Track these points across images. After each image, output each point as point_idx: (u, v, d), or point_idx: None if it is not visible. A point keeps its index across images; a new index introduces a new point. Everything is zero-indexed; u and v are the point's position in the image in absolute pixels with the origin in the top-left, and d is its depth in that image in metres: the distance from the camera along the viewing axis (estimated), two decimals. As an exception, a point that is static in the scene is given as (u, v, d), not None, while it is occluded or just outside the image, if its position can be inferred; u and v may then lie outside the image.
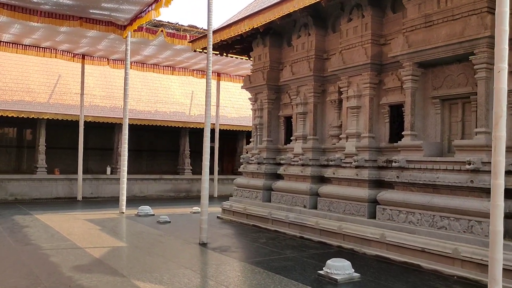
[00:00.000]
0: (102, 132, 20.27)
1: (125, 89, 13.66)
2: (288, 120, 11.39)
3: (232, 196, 12.39)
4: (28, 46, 16.15)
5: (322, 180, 9.94)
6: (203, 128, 9.12)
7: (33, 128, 18.67)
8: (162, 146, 22.40)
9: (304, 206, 9.78)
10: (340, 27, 9.56)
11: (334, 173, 9.16)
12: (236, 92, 22.87)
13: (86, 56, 17.34)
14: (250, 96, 12.29)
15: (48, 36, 14.76)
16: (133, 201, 16.92)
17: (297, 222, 9.56)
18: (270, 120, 11.60)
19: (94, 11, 12.19)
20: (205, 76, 20.52)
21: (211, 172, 22.73)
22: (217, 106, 20.41)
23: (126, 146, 13.42)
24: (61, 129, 19.32)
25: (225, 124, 20.86)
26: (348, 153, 8.93)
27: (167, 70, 19.18)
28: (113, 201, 17.31)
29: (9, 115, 16.34)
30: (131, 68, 18.33)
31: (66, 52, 16.92)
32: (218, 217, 12.31)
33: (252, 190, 11.44)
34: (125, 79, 13.64)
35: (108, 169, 19.29)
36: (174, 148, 21.98)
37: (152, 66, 18.81)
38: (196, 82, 21.97)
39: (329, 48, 10.17)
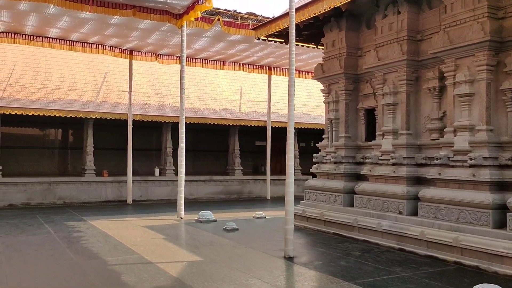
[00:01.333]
0: (149, 132, 19.34)
1: (181, 84, 12.61)
2: (369, 113, 10.02)
3: (303, 200, 11.09)
4: (75, 42, 15.31)
5: (419, 181, 8.53)
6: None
7: (78, 128, 17.88)
8: (208, 145, 21.31)
9: (400, 213, 8.40)
10: (441, 1, 8.14)
11: (439, 173, 7.74)
12: (286, 86, 21.54)
13: (134, 52, 16.40)
14: (322, 88, 10.97)
15: (97, 30, 13.85)
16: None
17: (394, 231, 8.19)
18: (347, 114, 10.26)
19: (150, -2, 11.16)
20: (255, 70, 19.45)
21: (278, 173, 21.69)
22: (269, 102, 19.19)
23: (184, 145, 12.36)
24: (107, 129, 18.49)
25: (276, 121, 19.59)
26: (458, 149, 7.50)
27: (217, 64, 18.06)
28: (164, 204, 16.36)
29: (57, 115, 15.56)
30: (179, 64, 17.37)
31: (113, 48, 16.02)
32: (288, 223, 11.03)
33: (329, 193, 10.13)
34: (181, 72, 12.59)
35: (157, 171, 18.34)
36: (221, 148, 20.87)
37: (201, 61, 17.73)
38: (244, 77, 20.82)
39: (424, 28, 8.74)
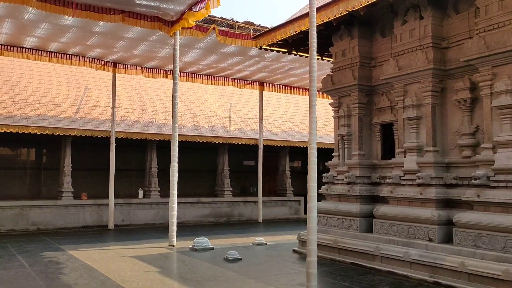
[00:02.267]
0: (131, 151, 18.01)
1: (174, 97, 11.55)
2: (386, 128, 9.12)
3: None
4: (53, 53, 14.08)
5: (448, 204, 7.60)
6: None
7: (54, 147, 16.45)
8: (195, 165, 20.09)
9: (430, 240, 7.43)
10: (469, 5, 7.36)
11: (478, 195, 6.83)
12: (277, 103, 20.69)
13: (118, 64, 15.25)
14: (331, 101, 10.04)
15: (79, 39, 12.69)
16: (162, 228, 14.66)
17: (425, 261, 7.20)
18: (361, 129, 9.34)
19: (141, 2, 10.10)
20: (246, 85, 18.44)
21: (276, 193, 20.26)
22: (260, 119, 18.25)
23: (176, 165, 11.22)
24: (85, 148, 17.14)
25: (268, 139, 18.61)
26: (499, 168, 6.62)
27: (206, 79, 17.05)
28: (149, 229, 15.06)
29: (32, 132, 14.20)
30: (166, 77, 16.32)
31: (96, 60, 14.84)
32: (294, 251, 9.95)
33: (343, 218, 9.10)
34: (174, 84, 11.52)
35: (140, 192, 17.03)
36: (209, 167, 19.67)
37: (189, 75, 16.69)
38: (233, 93, 19.85)
39: (450, 34, 7.95)
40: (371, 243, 8.26)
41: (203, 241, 10.34)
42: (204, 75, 16.81)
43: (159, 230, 14.75)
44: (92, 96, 16.48)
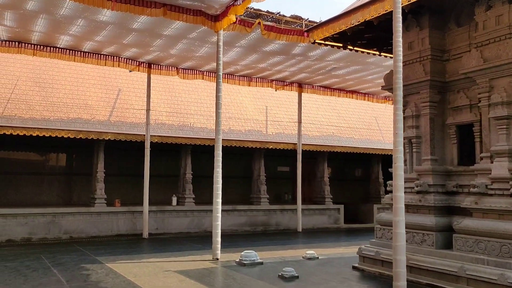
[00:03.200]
0: (164, 156, 17.24)
1: (217, 97, 10.67)
2: (463, 130, 8.05)
3: (375, 237, 8.98)
4: (87, 53, 13.44)
5: (549, 217, 6.51)
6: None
7: (86, 151, 15.81)
8: (229, 171, 19.18)
9: (530, 259, 6.34)
10: None
11: None
12: (314, 106, 19.68)
13: (152, 65, 14.51)
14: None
15: (115, 38, 11.98)
16: (205, 238, 13.86)
17: (528, 285, 6.11)
18: (433, 131, 8.28)
19: (184, -7, 9.31)
20: (284, 87, 17.50)
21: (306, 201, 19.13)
22: (299, 122, 17.28)
23: (220, 170, 10.33)
24: (117, 153, 16.47)
25: (306, 144, 17.62)
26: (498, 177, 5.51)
27: (243, 80, 16.20)
28: (184, 238, 14.24)
29: (65, 136, 13.55)
30: (202, 79, 15.53)
31: (130, 60, 14.14)
32: (355, 267, 8.92)
33: (414, 231, 8.04)
34: (218, 84, 10.66)
35: (174, 199, 16.22)
36: (243, 173, 18.76)
37: (226, 76, 15.80)
38: (269, 95, 18.95)
39: (547, 20, 6.86)
40: (453, 262, 7.19)
41: (251, 254, 9.40)
42: (241, 76, 15.96)
43: (196, 239, 13.92)
44: (126, 99, 15.80)
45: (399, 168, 5.54)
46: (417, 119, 8.46)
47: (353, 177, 21.95)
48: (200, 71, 15.24)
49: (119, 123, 14.75)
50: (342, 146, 18.42)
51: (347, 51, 12.78)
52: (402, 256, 5.45)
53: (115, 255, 10.49)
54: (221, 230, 16.08)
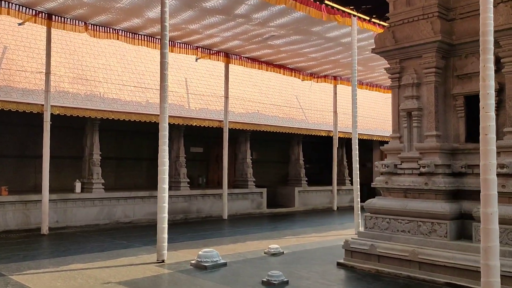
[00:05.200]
0: (63, 132, 14.15)
1: (162, 64, 8.37)
2: (472, 101, 6.95)
3: (364, 228, 7.57)
4: None
5: None
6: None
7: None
8: (134, 152, 16.70)
9: None
10: None
11: None
12: (235, 80, 17.85)
13: (54, 17, 11.47)
14: (387, 66, 7.64)
15: None
16: (121, 231, 11.60)
17: None
18: (437, 102, 7.07)
19: None
20: (211, 56, 15.43)
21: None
22: (226, 97, 15.39)
23: (166, 148, 8.11)
24: (5, 128, 13.16)
25: (232, 122, 15.79)
26: None
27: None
28: (95, 232, 11.76)
29: None
30: (117, 39, 12.81)
31: (25, 8, 10.96)
32: (341, 264, 7.44)
33: (419, 220, 6.78)
34: (162, 46, 8.34)
35: (78, 185, 13.36)
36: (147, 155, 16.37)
37: (145, 38, 13.30)
38: (187, 66, 16.67)
39: None
40: (477, 256, 6.04)
41: (211, 254, 7.43)
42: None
43: (111, 233, 11.48)
44: (14, 59, 12.43)
45: (490, 141, 4.10)
46: (417, 88, 7.19)
47: (270, 159, 20.69)
48: (115, 29, 12.53)
49: (8, 88, 11.49)
50: (268, 125, 16.97)
51: (295, 15, 11.40)
52: (496, 261, 4.06)
53: (16, 262, 7.75)
54: (137, 219, 13.95)
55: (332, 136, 18.85)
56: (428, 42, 6.92)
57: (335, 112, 18.60)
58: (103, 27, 12.31)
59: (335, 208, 18.45)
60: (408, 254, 6.59)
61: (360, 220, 11.39)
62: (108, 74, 13.98)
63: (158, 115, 13.66)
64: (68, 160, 14.34)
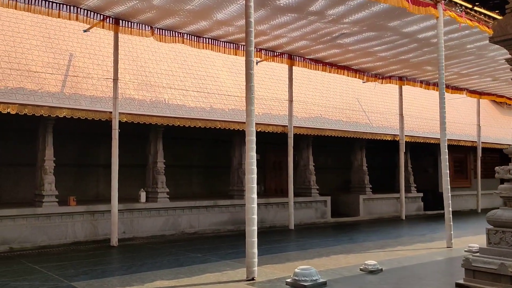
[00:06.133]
0: (128, 140, 13.80)
1: (248, 75, 7.74)
2: None
3: (487, 244, 6.63)
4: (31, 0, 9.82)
5: None
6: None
7: (27, 133, 12.11)
8: (199, 160, 16.22)
9: None
10: None
11: None
12: (295, 83, 17.15)
13: (121, 21, 11.14)
14: (509, 57, 6.72)
15: None
16: (189, 242, 11.11)
17: None
18: None
19: None
20: (275, 58, 14.70)
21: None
22: (290, 101, 14.68)
23: (254, 155, 7.51)
24: (72, 136, 12.97)
25: (297, 127, 15.05)
26: None
27: (229, 48, 13.24)
28: (164, 244, 11.32)
29: (3, 111, 9.84)
30: (182, 43, 12.37)
31: (92, 13, 10.67)
32: (459, 285, 6.54)
33: None
34: (248, 54, 7.73)
35: (143, 195, 12.97)
36: (223, 162, 15.92)
37: (209, 41, 12.82)
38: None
39: None
40: None
41: (310, 272, 6.69)
42: (227, 42, 13.00)
43: (181, 245, 10.99)
44: (80, 66, 12.18)
45: None
46: (548, 81, 6.21)
47: (329, 165, 19.81)
48: (181, 33, 12.10)
49: (76, 96, 11.21)
50: (333, 130, 16.15)
51: (373, 9, 10.64)
52: None
53: (95, 277, 7.29)
54: (202, 230, 13.39)
55: (397, 141, 17.84)
56: None
57: (401, 114, 17.58)
58: (169, 31, 11.90)
59: (404, 217, 17.36)
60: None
61: (452, 232, 10.38)
62: (171, 80, 13.57)
63: (222, 120, 13.48)
64: (131, 169, 13.96)
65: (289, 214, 14.52)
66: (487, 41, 13.03)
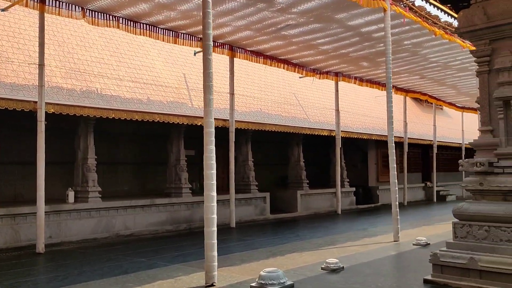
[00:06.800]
0: (52, 134, 12.43)
1: (205, 62, 7.00)
2: None
3: (454, 238, 6.48)
4: None
5: None
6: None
7: None
8: (133, 156, 15.11)
9: None
10: None
11: None
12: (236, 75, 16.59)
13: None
14: (474, 49, 6.63)
15: None
16: (126, 245, 10.22)
17: None
18: (539, 90, 6.12)
19: None
20: (216, 49, 14.14)
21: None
22: (231, 94, 14.10)
23: (213, 148, 6.79)
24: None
25: (239, 121, 14.48)
26: None
27: (168, 35, 12.35)
28: (97, 248, 10.34)
29: None
30: (118, 27, 11.32)
31: None
32: (427, 281, 6.35)
33: (531, 227, 5.78)
34: (205, 37, 7.00)
35: (71, 195, 11.72)
36: (155, 158, 14.96)
37: (141, 26, 11.88)
38: (184, 60, 15.27)
39: None
40: None
41: (277, 275, 6.16)
42: (166, 29, 12.11)
43: (118, 249, 10.06)
44: (-3, 50, 10.69)
45: None
46: (514, 73, 6.20)
47: (266, 161, 19.48)
48: (116, 16, 11.04)
49: (-6, 83, 9.78)
50: (273, 124, 15.81)
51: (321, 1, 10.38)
52: None
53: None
54: (138, 232, 12.42)
55: (332, 136, 17.95)
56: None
57: (337, 110, 17.65)
58: (102, 14, 10.79)
59: (340, 212, 17.47)
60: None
61: (399, 226, 10.39)
62: (103, 69, 12.43)
63: (161, 113, 12.57)
64: (54, 166, 12.57)
65: (230, 211, 13.95)
66: (424, 38, 13.51)
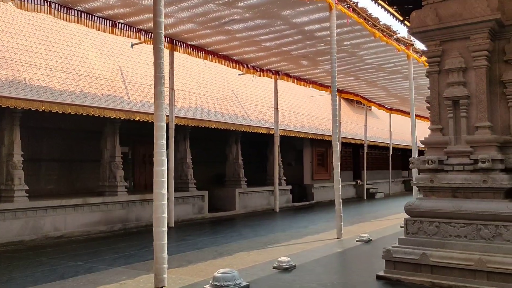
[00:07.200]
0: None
1: (156, 53, 6.55)
2: (519, 89, 6.33)
3: (405, 234, 6.55)
4: None
5: None
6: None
7: None
8: (62, 152, 14.09)
9: None
10: None
11: None
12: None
13: None
14: (425, 49, 6.76)
15: None
16: (58, 248, 9.53)
17: None
18: (488, 90, 6.34)
19: None
20: (151, 41, 13.52)
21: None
22: (171, 89, 13.57)
23: (164, 143, 6.38)
24: None
25: (177, 117, 14.01)
26: None
27: (103, 24, 11.64)
28: (25, 252, 9.44)
29: None
30: (49, 13, 10.46)
31: None
32: (380, 277, 6.37)
33: (479, 223, 5.96)
34: (156, 23, 6.53)
35: (-7, 193, 10.70)
36: (87, 156, 14.08)
37: (72, 13, 11.09)
38: (119, 52, 14.52)
39: None
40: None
41: (233, 276, 5.89)
42: (101, 18, 11.40)
43: (48, 252, 9.35)
44: None
45: None
46: (463, 73, 6.41)
47: (202, 158, 19.07)
48: (48, 1, 10.18)
49: None
50: (214, 121, 15.46)
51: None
52: None
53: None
54: (69, 233, 11.59)
55: (270, 134, 17.96)
56: (481, 21, 6.17)
57: (276, 108, 17.68)
58: (33, -2, 9.90)
59: (277, 210, 17.51)
60: (473, 263, 5.74)
61: (342, 223, 10.51)
62: (31, 58, 11.44)
63: (96, 107, 11.82)
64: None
65: (169, 211, 13.23)
66: (363, 39, 13.82)
